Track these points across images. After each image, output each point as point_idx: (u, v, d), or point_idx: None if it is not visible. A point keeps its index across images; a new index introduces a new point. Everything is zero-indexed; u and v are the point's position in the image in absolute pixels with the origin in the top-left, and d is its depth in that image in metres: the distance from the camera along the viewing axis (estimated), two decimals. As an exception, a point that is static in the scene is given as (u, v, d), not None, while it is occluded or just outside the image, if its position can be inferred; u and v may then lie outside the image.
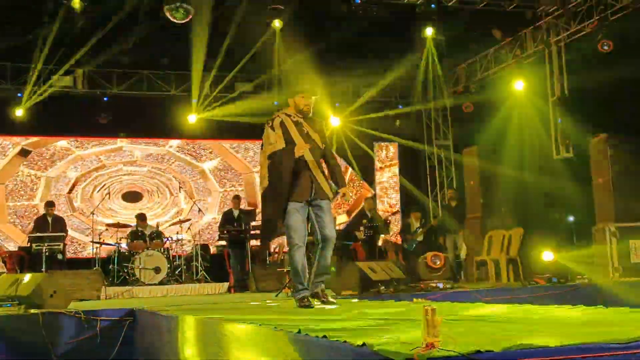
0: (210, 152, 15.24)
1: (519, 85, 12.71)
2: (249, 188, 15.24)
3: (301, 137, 5.40)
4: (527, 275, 9.80)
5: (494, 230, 11.01)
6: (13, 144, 14.03)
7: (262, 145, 5.54)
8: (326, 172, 5.56)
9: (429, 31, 12.56)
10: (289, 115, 5.52)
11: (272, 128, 5.44)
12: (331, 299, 5.41)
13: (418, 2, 11.46)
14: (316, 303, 5.27)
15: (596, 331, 2.62)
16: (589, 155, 10.60)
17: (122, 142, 14.68)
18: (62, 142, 14.34)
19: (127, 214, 14.22)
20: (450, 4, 11.66)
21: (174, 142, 15.00)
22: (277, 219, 5.43)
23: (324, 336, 2.73)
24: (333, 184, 5.56)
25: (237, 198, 12.34)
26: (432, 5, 11.35)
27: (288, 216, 5.31)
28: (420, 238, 12.54)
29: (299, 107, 5.51)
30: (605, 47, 10.70)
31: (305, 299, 5.23)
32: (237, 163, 15.37)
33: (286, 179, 5.30)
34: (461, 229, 12.26)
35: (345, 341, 2.54)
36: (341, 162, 13.51)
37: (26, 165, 14.08)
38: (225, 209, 12.93)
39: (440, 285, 8.38)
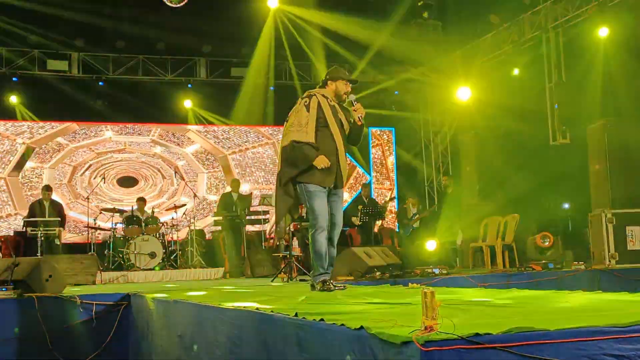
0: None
1: (516, 70, 12.65)
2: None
3: (335, 122, 5.32)
4: (523, 261, 9.81)
5: (490, 217, 11.01)
6: (20, 143, 13.98)
7: (286, 120, 5.41)
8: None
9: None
10: (327, 98, 5.39)
11: (307, 108, 5.30)
12: (332, 287, 5.27)
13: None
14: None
15: (596, 315, 2.61)
16: (586, 142, 10.57)
17: (109, 134, 14.58)
18: (58, 138, 14.24)
19: (123, 198, 14.19)
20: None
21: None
22: (292, 206, 5.43)
23: (321, 319, 2.71)
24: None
25: (235, 181, 12.31)
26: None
27: (312, 199, 5.24)
28: (416, 224, 12.55)
29: (339, 93, 5.42)
30: (603, 33, 10.66)
31: (327, 283, 5.17)
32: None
33: (311, 161, 5.19)
34: (457, 215, 12.25)
35: (342, 324, 2.52)
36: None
37: (31, 159, 14.12)
38: (224, 192, 12.90)
39: (436, 271, 8.37)
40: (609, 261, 8.99)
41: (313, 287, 5.29)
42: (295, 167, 5.25)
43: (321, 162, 5.19)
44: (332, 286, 5.16)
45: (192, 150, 15.17)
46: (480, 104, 13.43)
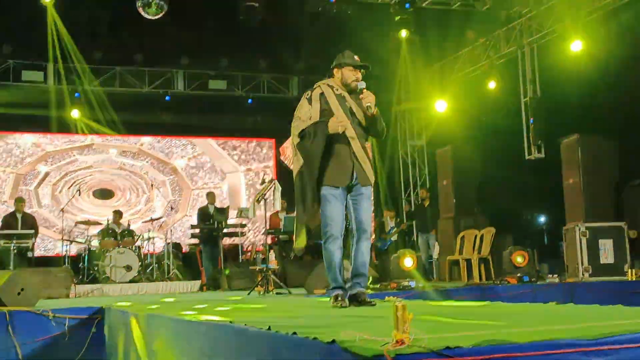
0: (188, 147, 15.30)
1: (492, 85, 12.79)
2: (232, 185, 15.41)
3: (343, 112, 4.67)
4: (499, 274, 9.88)
5: (466, 230, 11.08)
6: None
7: (292, 121, 4.80)
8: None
9: (403, 32, 12.59)
10: (332, 87, 4.81)
11: (309, 100, 4.76)
12: (372, 301, 4.68)
13: (392, 2, 11.46)
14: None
15: (566, 328, 2.63)
16: (560, 156, 10.70)
17: (93, 139, 14.58)
18: (33, 138, 14.23)
19: (98, 211, 14.10)
20: (424, 4, 11.69)
21: (146, 140, 14.97)
22: (311, 213, 4.69)
23: (294, 333, 2.71)
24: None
25: (211, 195, 12.27)
26: (407, 5, 11.35)
27: (324, 203, 4.62)
28: (394, 238, 12.59)
29: (346, 81, 4.78)
30: (576, 46, 10.81)
31: (340, 298, 4.57)
32: (222, 161, 15.42)
33: (318, 161, 4.57)
34: (434, 229, 12.31)
35: (315, 338, 2.51)
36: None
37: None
38: (201, 205, 12.89)
39: (413, 284, 8.39)
40: (583, 274, 9.08)
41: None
42: (312, 161, 4.61)
43: (334, 125, 4.53)
44: (345, 302, 4.55)
45: (181, 164, 15.39)
46: (457, 117, 13.54)
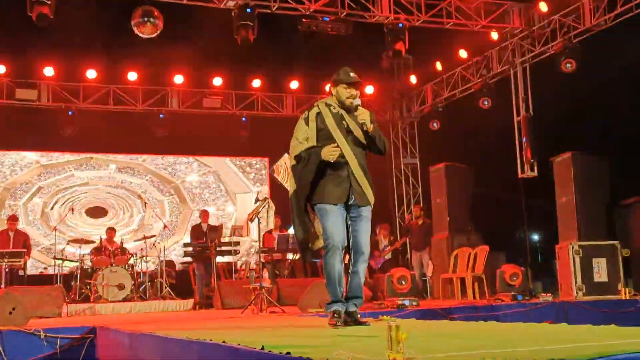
0: (186, 168, 15.33)
1: (485, 104, 12.85)
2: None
3: (339, 131, 4.65)
4: (493, 293, 9.87)
5: (460, 248, 11.08)
6: None
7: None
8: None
9: (396, 50, 12.67)
10: (329, 105, 4.77)
11: (306, 121, 4.72)
12: (365, 321, 4.65)
13: (385, 21, 11.54)
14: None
15: (559, 348, 2.63)
16: (553, 174, 10.74)
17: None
18: (30, 153, 14.24)
19: (92, 229, 14.05)
20: (418, 23, 11.77)
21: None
22: (302, 234, 4.68)
23: (287, 352, 2.70)
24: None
25: (204, 213, 12.25)
26: (400, 25, 11.42)
27: (322, 217, 4.59)
28: (388, 256, 12.56)
29: (341, 99, 4.73)
30: (568, 66, 10.89)
31: (337, 314, 4.50)
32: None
33: (308, 188, 4.59)
34: (428, 247, 12.30)
35: (309, 358, 2.51)
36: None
37: (8, 200, 14.05)
38: (194, 224, 12.86)
39: (407, 303, 8.37)
40: (577, 293, 9.08)
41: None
42: (304, 186, 4.64)
43: (328, 153, 4.52)
44: (340, 319, 4.46)
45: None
46: (451, 135, 13.60)
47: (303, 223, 4.70)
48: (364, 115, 4.62)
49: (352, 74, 4.77)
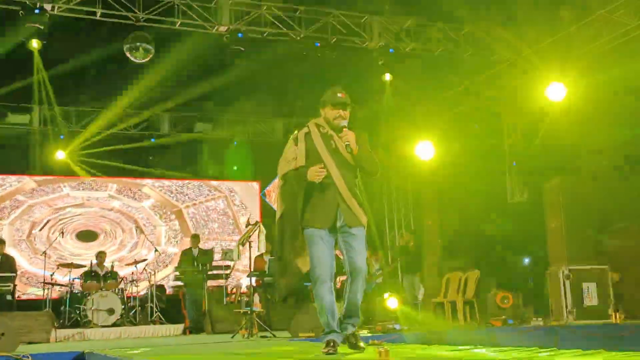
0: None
1: (475, 129, 12.94)
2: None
3: (328, 151, 4.58)
4: (484, 317, 9.87)
5: (451, 272, 11.09)
6: None
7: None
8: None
9: (387, 76, 12.77)
10: (319, 126, 4.70)
11: (295, 141, 4.67)
12: (361, 344, 4.54)
13: (376, 47, 11.64)
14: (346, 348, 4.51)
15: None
16: (543, 199, 10.80)
17: (67, 190, 14.47)
18: (17, 196, 14.09)
19: (82, 253, 13.96)
20: (407, 49, 11.88)
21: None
22: (293, 257, 4.64)
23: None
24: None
25: (195, 237, 12.22)
26: (390, 50, 11.53)
27: (309, 245, 4.51)
28: (379, 280, 12.55)
29: (329, 119, 4.65)
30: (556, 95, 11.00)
31: (331, 344, 4.36)
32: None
33: (295, 208, 4.55)
34: (419, 271, 12.31)
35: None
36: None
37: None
38: (184, 248, 12.80)
39: (397, 327, 8.36)
40: (567, 317, 9.09)
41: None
42: (291, 209, 4.61)
43: (314, 174, 4.47)
44: (334, 349, 4.34)
45: (148, 204, 15.13)
46: (442, 160, 13.66)
47: (292, 247, 4.64)
48: (347, 136, 4.54)
49: (339, 95, 4.67)
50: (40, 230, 14.11)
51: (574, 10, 10.66)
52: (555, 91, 10.96)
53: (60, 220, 14.29)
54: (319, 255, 4.46)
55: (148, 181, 15.07)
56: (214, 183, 15.56)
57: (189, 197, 15.38)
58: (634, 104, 9.86)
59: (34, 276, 13.36)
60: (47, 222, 14.21)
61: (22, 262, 13.58)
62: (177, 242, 14.99)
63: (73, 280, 11.16)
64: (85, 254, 13.74)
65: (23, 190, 14.17)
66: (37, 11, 9.49)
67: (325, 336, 4.46)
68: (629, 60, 9.78)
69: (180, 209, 15.27)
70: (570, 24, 10.86)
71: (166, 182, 15.21)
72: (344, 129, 4.56)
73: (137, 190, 15.03)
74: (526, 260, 13.86)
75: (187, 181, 15.30)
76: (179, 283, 12.19)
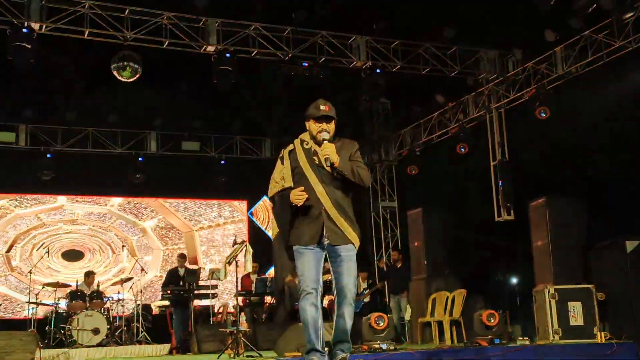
0: (152, 211, 15.18)
1: (461, 150, 13.03)
2: (189, 245, 15.13)
3: (311, 168, 4.45)
4: (470, 337, 9.85)
5: (438, 292, 11.08)
6: None
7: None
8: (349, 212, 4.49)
9: (374, 95, 12.85)
10: (303, 142, 4.58)
11: (282, 160, 4.56)
12: None
13: (363, 67, 11.74)
14: None
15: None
16: (529, 218, 10.85)
17: (62, 201, 14.42)
18: (2, 201, 14.01)
19: (67, 273, 13.87)
20: (395, 69, 11.99)
21: (116, 201, 14.84)
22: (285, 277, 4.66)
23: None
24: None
25: (182, 257, 12.18)
26: (378, 70, 11.63)
27: (296, 259, 4.42)
28: (367, 299, 12.54)
29: (312, 133, 4.52)
30: (543, 114, 11.12)
31: None
32: (177, 221, 15.32)
33: (285, 229, 4.49)
34: (406, 290, 12.30)
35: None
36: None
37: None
38: (170, 268, 12.74)
39: (384, 347, 8.33)
40: (553, 337, 9.10)
41: None
42: (283, 230, 4.55)
43: (294, 197, 4.35)
44: None
45: (151, 225, 15.03)
46: (428, 180, 13.74)
47: (288, 266, 4.56)
48: (325, 150, 4.38)
49: (322, 107, 4.51)
50: (23, 246, 13.99)
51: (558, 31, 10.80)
52: (540, 112, 11.08)
53: (48, 236, 14.20)
54: (302, 267, 4.38)
55: (166, 201, 15.06)
56: (237, 204, 15.53)
57: (205, 219, 15.33)
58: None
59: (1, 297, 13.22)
60: (33, 237, 14.07)
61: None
62: (146, 252, 15.05)
63: (58, 300, 11.06)
64: (69, 275, 13.63)
65: (9, 225, 14.12)
66: (25, 30, 9.50)
67: (308, 354, 4.35)
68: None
69: (192, 231, 15.19)
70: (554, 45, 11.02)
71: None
72: (324, 142, 4.41)
73: (143, 207, 14.96)
74: (513, 279, 13.91)
75: (206, 201, 15.27)
76: (166, 302, 12.11)
